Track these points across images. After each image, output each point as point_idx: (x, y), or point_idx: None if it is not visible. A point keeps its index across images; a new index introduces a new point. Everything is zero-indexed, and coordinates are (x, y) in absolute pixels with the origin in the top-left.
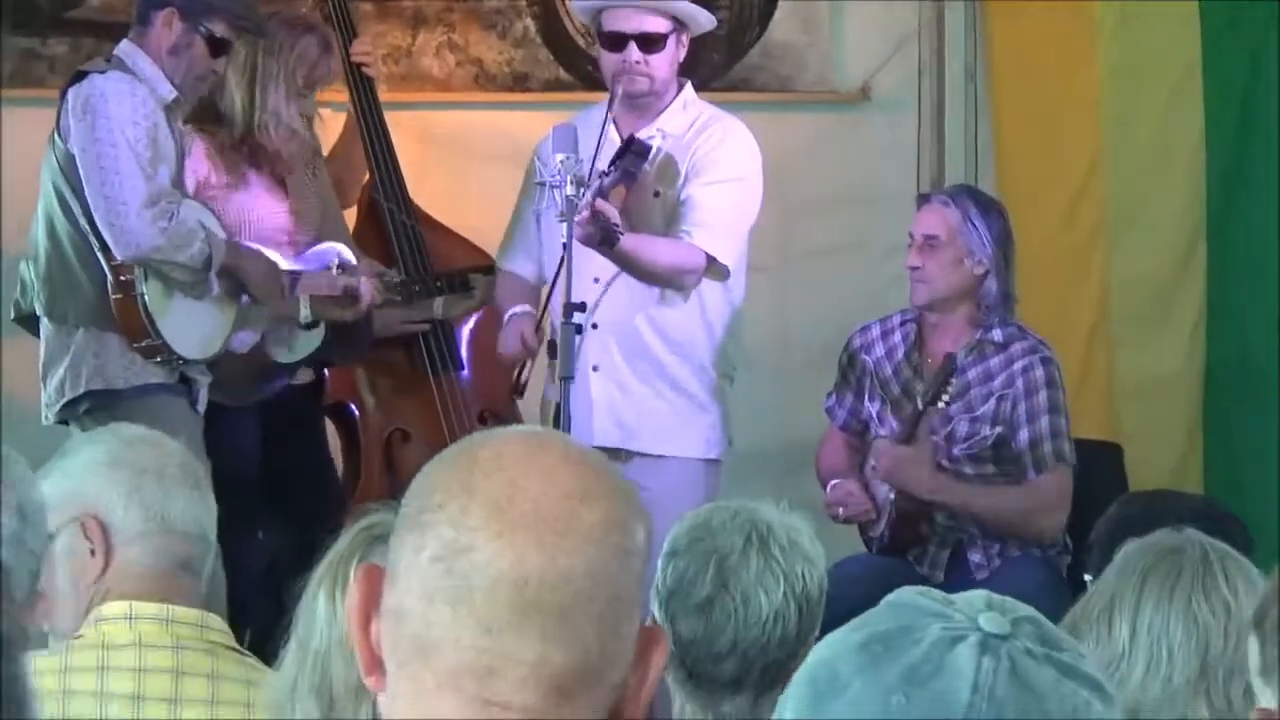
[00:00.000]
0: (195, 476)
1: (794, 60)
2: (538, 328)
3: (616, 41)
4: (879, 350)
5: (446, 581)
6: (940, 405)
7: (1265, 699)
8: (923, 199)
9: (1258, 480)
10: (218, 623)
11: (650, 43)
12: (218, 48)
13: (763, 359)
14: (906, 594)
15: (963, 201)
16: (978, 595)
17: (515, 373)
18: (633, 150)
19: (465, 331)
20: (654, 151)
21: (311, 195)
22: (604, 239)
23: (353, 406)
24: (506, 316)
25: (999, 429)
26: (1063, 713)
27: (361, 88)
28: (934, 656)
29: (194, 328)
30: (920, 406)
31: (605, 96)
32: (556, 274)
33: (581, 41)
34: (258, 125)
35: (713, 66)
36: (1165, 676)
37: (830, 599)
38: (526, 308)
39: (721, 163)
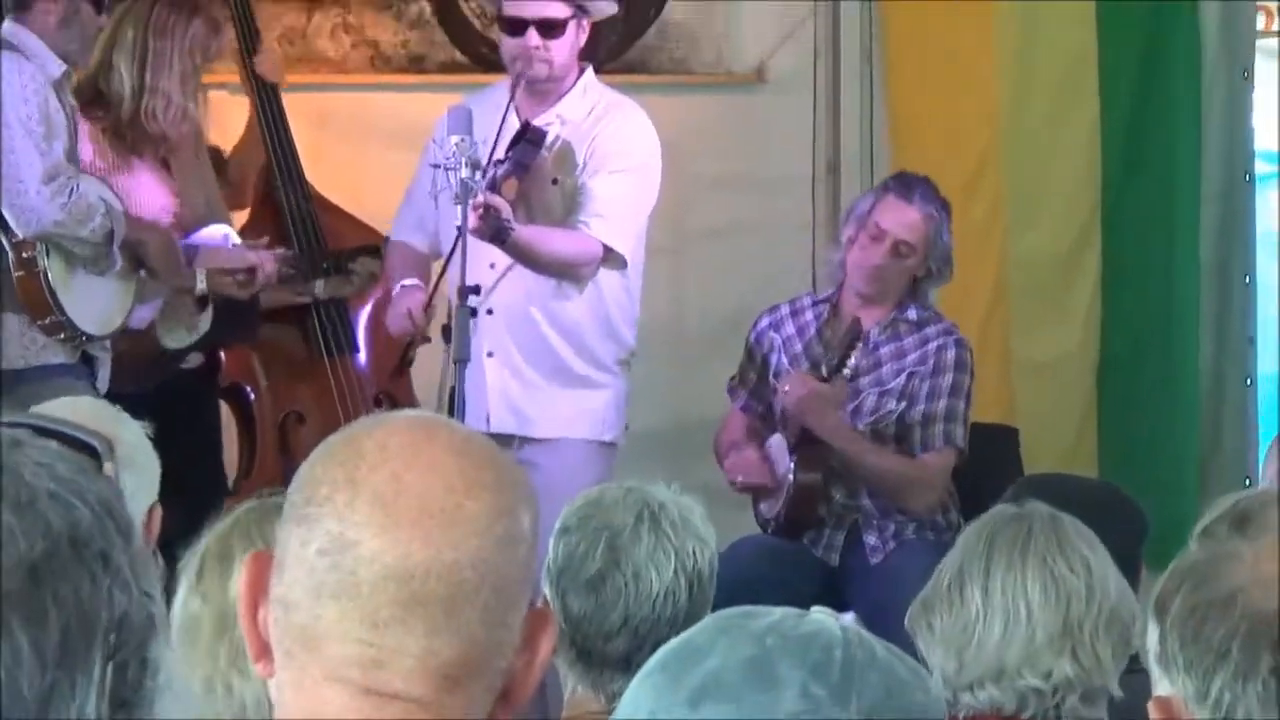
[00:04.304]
0: None
1: (690, 41)
2: (427, 305)
3: (516, 26)
4: (789, 328)
5: (333, 576)
6: (845, 371)
7: (1163, 687)
8: (899, 187)
9: (1151, 465)
10: None
11: (550, 28)
12: (100, 4)
13: (657, 340)
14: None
15: (938, 205)
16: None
17: (402, 349)
18: (527, 139)
19: (361, 314)
20: (550, 139)
21: (195, 178)
22: (495, 235)
23: (248, 389)
24: (396, 289)
25: (904, 404)
26: (909, 672)
27: (265, 96)
28: (791, 616)
29: (96, 304)
30: (825, 374)
31: (501, 78)
32: (450, 255)
33: (477, 24)
34: (144, 108)
35: (609, 48)
36: (1027, 635)
37: (724, 579)
38: (416, 281)
39: (620, 152)
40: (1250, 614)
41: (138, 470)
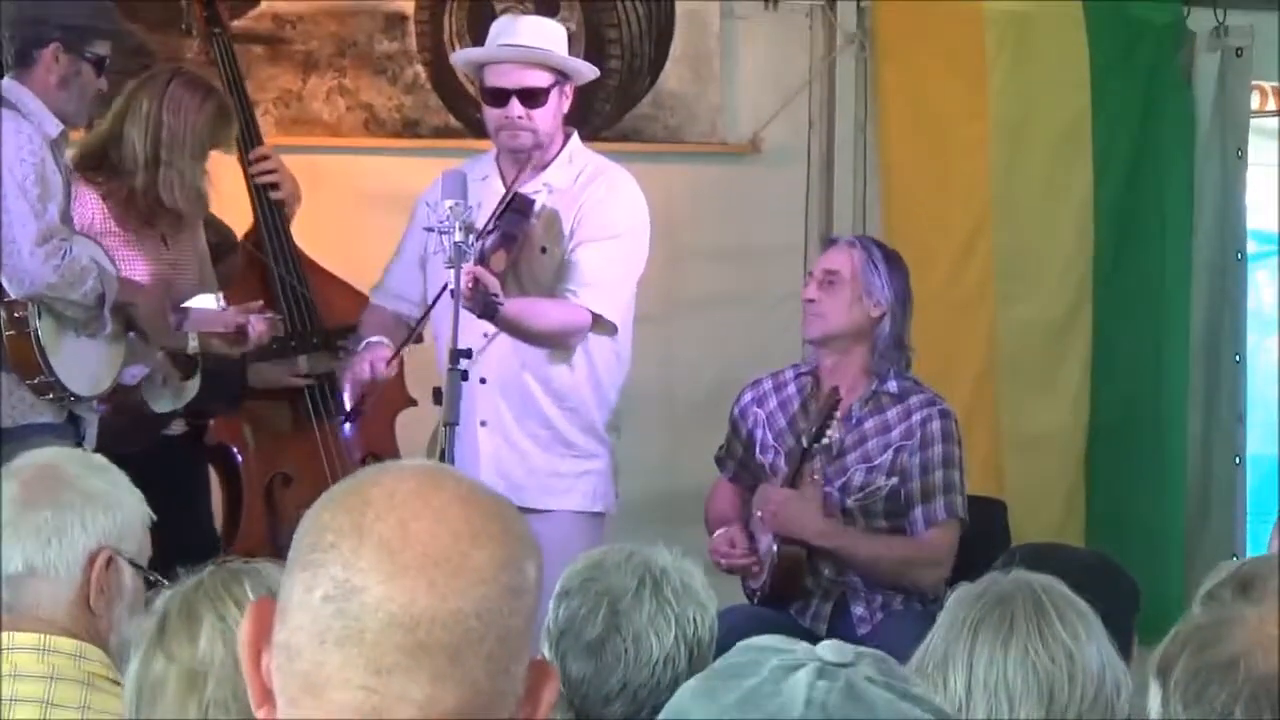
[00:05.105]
0: None
1: (684, 111)
2: (390, 360)
3: (499, 96)
4: (772, 403)
5: (338, 622)
6: (824, 442)
7: None
8: (829, 241)
9: (1138, 541)
10: (97, 654)
11: (532, 97)
12: (101, 66)
13: (647, 408)
14: (754, 639)
15: (867, 245)
16: (826, 642)
17: (357, 399)
18: (514, 208)
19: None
20: (537, 207)
21: (191, 251)
22: (484, 310)
23: (235, 451)
24: (363, 345)
25: (894, 480)
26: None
27: (266, 209)
28: (771, 681)
29: (86, 364)
30: (805, 444)
31: (494, 145)
32: (428, 312)
33: (472, 89)
34: (161, 181)
35: (603, 116)
36: None
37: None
38: (381, 339)
39: (607, 219)
40: (1253, 677)
41: (62, 507)
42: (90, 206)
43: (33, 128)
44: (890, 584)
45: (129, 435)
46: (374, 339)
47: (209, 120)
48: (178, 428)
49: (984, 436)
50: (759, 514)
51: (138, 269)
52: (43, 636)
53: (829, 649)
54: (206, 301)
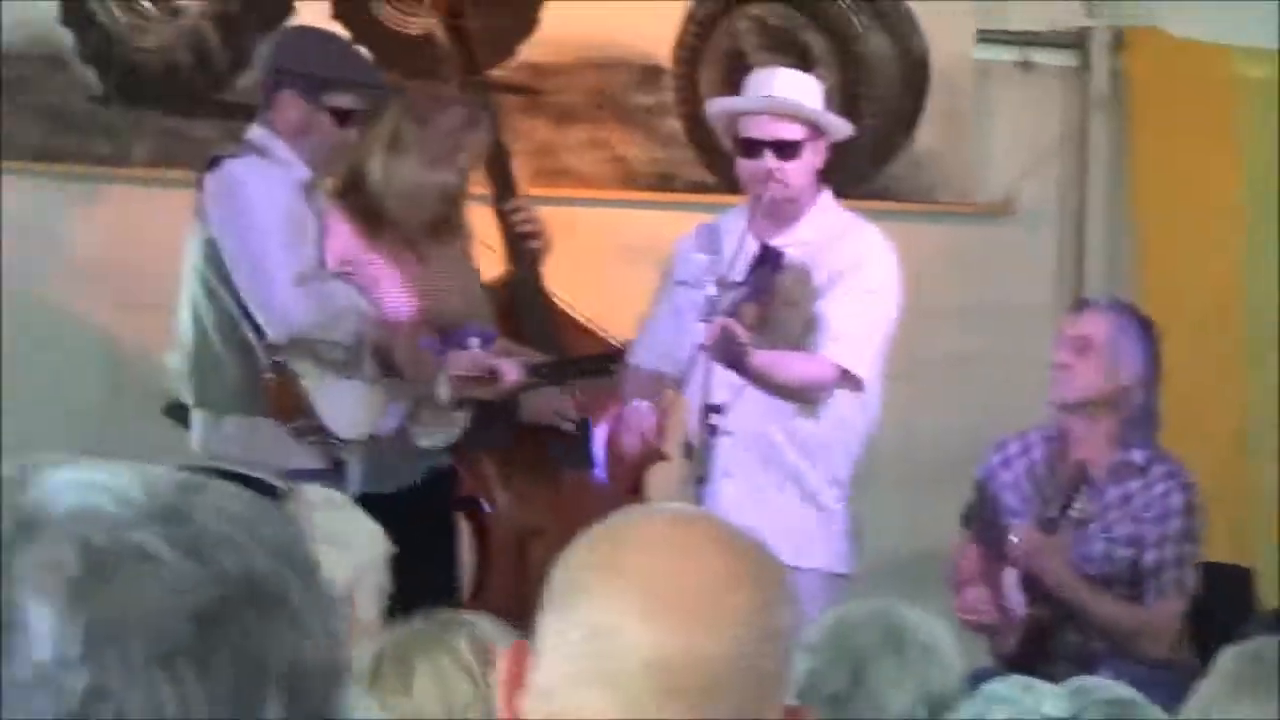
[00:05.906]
0: None
1: (937, 170)
2: (660, 427)
3: (753, 148)
4: (1018, 468)
5: (593, 664)
6: (1072, 514)
7: None
8: (1080, 303)
9: None
10: None
11: (786, 150)
12: (345, 118)
13: (890, 467)
14: (991, 683)
15: (1120, 311)
16: (1068, 682)
17: (639, 465)
18: (765, 262)
19: (601, 430)
20: (787, 260)
21: (452, 275)
22: (731, 361)
23: (484, 502)
24: (628, 410)
25: (1131, 551)
26: None
27: (522, 258)
28: None
29: (346, 407)
30: (1050, 516)
31: (747, 199)
32: (693, 374)
33: (726, 143)
34: (385, 193)
35: (857, 173)
36: None
37: None
38: (645, 404)
39: (858, 274)
40: None
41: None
42: (342, 235)
43: (282, 172)
44: (1117, 643)
45: (394, 470)
46: (636, 404)
47: (448, 124)
48: (444, 461)
49: (1233, 501)
50: (1013, 539)
51: (395, 294)
52: None
53: (1054, 704)
54: (470, 334)
